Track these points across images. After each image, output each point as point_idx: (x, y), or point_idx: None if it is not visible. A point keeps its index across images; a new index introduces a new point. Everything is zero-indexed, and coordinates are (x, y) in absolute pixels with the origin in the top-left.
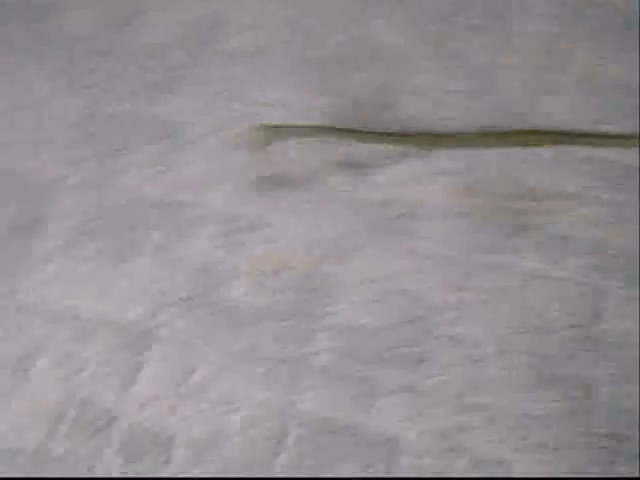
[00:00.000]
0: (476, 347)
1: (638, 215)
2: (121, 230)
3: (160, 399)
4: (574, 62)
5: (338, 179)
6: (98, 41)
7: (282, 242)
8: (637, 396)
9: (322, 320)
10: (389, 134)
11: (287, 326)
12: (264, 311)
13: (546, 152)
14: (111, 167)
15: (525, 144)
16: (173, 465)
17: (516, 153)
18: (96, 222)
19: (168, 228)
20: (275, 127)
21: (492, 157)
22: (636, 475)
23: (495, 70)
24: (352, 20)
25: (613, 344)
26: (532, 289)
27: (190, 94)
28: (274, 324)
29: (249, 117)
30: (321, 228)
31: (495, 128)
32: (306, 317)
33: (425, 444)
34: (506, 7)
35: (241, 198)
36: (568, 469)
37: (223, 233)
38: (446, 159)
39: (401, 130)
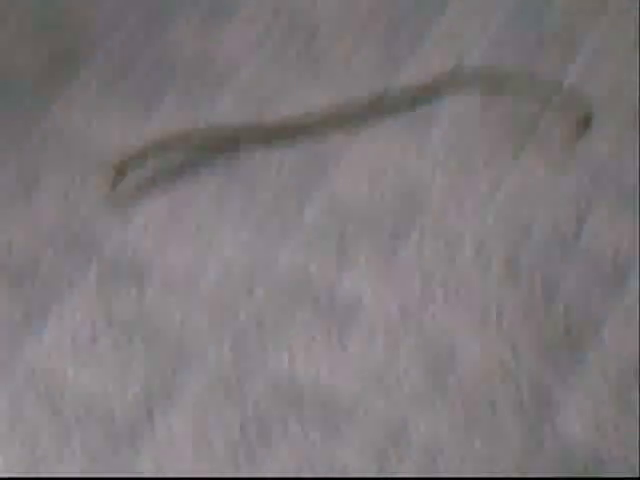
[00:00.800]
0: (458, 234)
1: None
2: (149, 81)
3: (147, 235)
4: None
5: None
6: None
7: (298, 109)
8: (596, 304)
9: (318, 184)
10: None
11: (284, 184)
12: (265, 166)
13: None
14: (156, 27)
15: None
16: (147, 295)
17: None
18: (132, 68)
19: (192, 87)
20: (124, 161)
21: None
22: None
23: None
24: None
25: (585, 259)
26: (525, 197)
27: None
28: (272, 181)
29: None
30: (338, 100)
31: None
32: (304, 178)
33: (383, 312)
34: None
35: (269, 71)
36: (511, 353)
37: (245, 99)
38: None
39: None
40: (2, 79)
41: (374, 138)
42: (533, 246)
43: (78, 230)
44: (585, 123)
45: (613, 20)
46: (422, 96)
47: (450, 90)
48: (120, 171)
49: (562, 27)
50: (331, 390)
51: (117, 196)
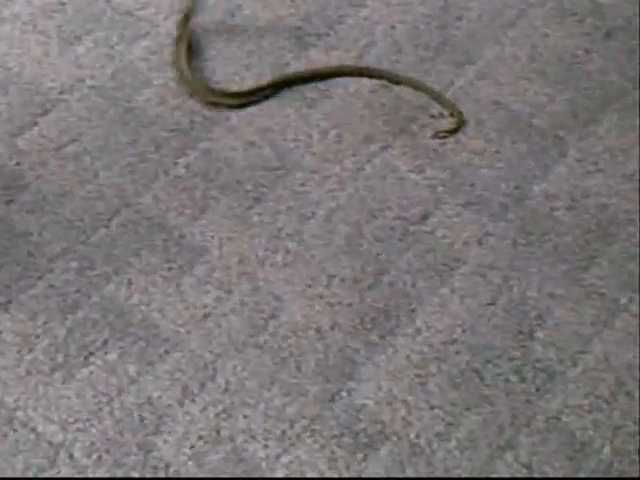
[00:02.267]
0: (311, 206)
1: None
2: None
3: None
4: None
5: None
6: None
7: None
8: (418, 289)
9: (199, 141)
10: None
11: (168, 135)
12: (161, 115)
13: None
14: None
15: None
16: (14, 208)
17: None
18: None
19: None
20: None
21: None
22: None
23: None
24: None
25: (422, 247)
26: (381, 184)
27: None
28: (160, 129)
29: None
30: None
31: None
32: (187, 133)
33: (223, 264)
34: None
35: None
36: (329, 323)
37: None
38: None
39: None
40: None
41: (266, 106)
42: (377, 228)
43: None
44: (453, 131)
45: (504, 49)
46: (321, 74)
47: (347, 74)
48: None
49: (456, 46)
50: (156, 326)
51: None
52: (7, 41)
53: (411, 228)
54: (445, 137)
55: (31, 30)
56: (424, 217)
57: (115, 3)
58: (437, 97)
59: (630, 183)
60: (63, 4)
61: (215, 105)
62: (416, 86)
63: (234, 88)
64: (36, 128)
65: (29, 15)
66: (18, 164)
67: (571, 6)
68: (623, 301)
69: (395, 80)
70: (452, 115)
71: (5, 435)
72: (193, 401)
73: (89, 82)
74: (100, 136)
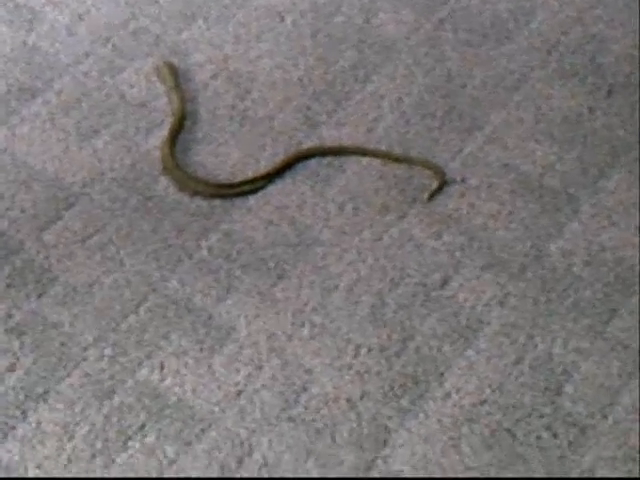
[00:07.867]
0: (333, 279)
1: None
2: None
3: (57, 252)
4: None
5: None
6: None
7: (221, 155)
8: (445, 352)
9: (219, 223)
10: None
11: (188, 219)
12: (177, 201)
13: None
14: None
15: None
16: (44, 301)
17: None
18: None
19: (130, 127)
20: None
21: None
22: None
23: None
24: None
25: (444, 311)
26: (399, 252)
27: None
28: (179, 213)
29: None
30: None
31: None
32: (207, 216)
33: (251, 341)
34: None
35: (201, 119)
36: (360, 392)
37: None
38: None
39: None
40: None
41: (281, 185)
42: (399, 296)
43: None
44: (439, 188)
45: (510, 113)
46: (332, 152)
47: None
48: None
49: (462, 114)
50: (191, 407)
51: None
52: (28, 140)
53: (433, 294)
54: (433, 196)
55: (50, 128)
56: (445, 282)
57: (129, 97)
58: (414, 161)
59: None
60: (79, 101)
61: (203, 195)
62: (392, 158)
63: (240, 174)
64: (61, 222)
65: (48, 114)
66: (46, 258)
67: (572, 67)
68: None
69: (372, 155)
70: (436, 174)
71: None
72: (232, 479)
73: (109, 174)
74: (123, 225)
